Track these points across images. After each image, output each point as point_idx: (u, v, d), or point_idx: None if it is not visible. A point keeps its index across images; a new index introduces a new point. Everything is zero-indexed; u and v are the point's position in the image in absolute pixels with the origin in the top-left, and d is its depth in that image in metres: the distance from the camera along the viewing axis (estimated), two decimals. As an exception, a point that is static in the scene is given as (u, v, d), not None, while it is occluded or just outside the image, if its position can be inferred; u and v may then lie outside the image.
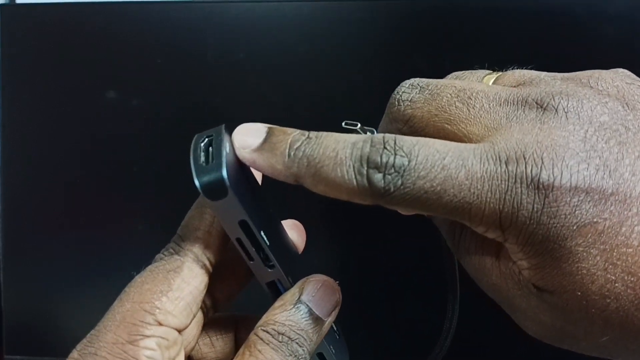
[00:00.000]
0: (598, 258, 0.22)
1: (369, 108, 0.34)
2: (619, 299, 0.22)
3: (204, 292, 0.27)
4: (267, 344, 0.25)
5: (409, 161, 0.22)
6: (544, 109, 0.23)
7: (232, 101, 0.45)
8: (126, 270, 0.28)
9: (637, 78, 0.25)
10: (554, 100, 0.23)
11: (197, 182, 0.23)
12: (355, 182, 0.23)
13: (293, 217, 0.31)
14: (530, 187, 0.22)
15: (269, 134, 0.25)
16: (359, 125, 0.27)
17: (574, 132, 0.22)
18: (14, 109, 0.47)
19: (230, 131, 0.25)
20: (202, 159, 0.24)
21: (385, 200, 0.23)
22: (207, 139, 0.25)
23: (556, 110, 0.23)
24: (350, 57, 0.44)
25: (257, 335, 0.25)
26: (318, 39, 0.44)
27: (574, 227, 0.21)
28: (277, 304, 0.27)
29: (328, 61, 0.44)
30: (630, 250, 0.22)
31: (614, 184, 0.22)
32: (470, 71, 0.28)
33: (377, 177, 0.22)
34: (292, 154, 0.24)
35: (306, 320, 0.26)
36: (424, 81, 0.26)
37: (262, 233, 0.25)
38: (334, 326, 0.30)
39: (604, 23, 0.42)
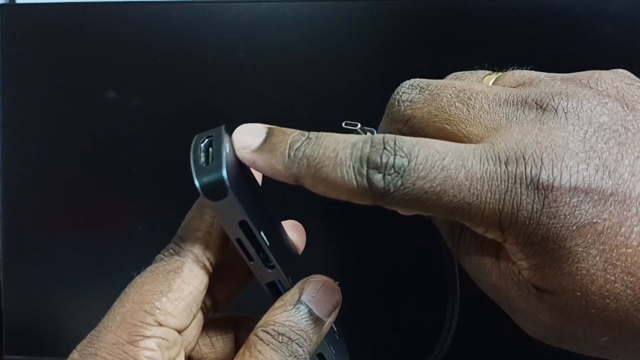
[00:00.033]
0: (597, 258, 0.22)
1: (369, 108, 0.34)
2: (618, 300, 0.22)
3: (204, 292, 0.27)
4: (267, 344, 0.25)
5: (409, 162, 0.22)
6: (544, 110, 0.23)
7: (232, 101, 0.45)
8: (126, 271, 0.28)
9: (637, 79, 0.25)
10: (553, 100, 0.23)
11: (197, 183, 0.24)
12: (355, 183, 0.23)
13: (293, 218, 0.31)
14: (530, 187, 0.22)
15: (269, 134, 0.25)
16: (359, 125, 0.28)
17: (573, 132, 0.22)
18: (14, 109, 0.47)
19: (230, 131, 0.26)
20: (202, 159, 0.24)
21: (385, 200, 0.23)
22: (207, 140, 0.25)
23: (556, 111, 0.23)
24: (350, 57, 0.44)
25: (257, 336, 0.25)
26: (318, 39, 0.44)
27: (574, 228, 0.22)
28: (277, 304, 0.27)
29: (328, 61, 0.44)
30: (630, 250, 0.22)
31: (614, 184, 0.22)
32: (470, 71, 0.28)
33: (377, 177, 0.22)
34: (292, 154, 0.24)
35: (306, 321, 0.26)
36: (423, 82, 0.27)
37: (262, 233, 0.25)
38: (334, 327, 0.30)
39: (604, 23, 0.42)
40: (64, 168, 0.47)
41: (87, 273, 0.47)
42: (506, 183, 0.22)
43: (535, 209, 0.22)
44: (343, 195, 0.24)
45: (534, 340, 0.26)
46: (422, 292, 0.45)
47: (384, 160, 0.22)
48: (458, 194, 0.22)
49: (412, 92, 0.26)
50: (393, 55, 0.44)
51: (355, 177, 0.23)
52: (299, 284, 0.27)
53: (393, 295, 0.45)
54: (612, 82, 0.24)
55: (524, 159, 0.22)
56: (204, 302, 0.28)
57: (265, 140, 0.25)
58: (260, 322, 0.26)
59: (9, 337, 0.48)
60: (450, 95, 0.25)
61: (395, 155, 0.22)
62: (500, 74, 0.28)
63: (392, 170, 0.22)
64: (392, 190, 0.22)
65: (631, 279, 0.22)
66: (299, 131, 0.25)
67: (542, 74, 0.26)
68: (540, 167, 0.22)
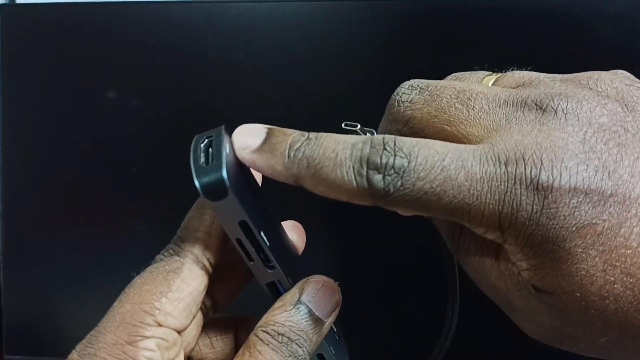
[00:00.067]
0: (597, 259, 0.22)
1: (369, 108, 0.34)
2: (617, 300, 0.22)
3: (204, 293, 0.27)
4: (267, 344, 0.25)
5: (409, 162, 0.22)
6: (543, 111, 0.23)
7: (232, 101, 0.45)
8: (126, 271, 0.28)
9: (637, 79, 0.25)
10: (553, 101, 0.23)
11: (197, 183, 0.24)
12: (355, 183, 0.23)
13: (293, 218, 0.31)
14: (530, 188, 0.22)
15: (269, 134, 0.25)
16: (359, 126, 0.28)
17: (573, 133, 0.22)
18: (14, 109, 0.47)
19: (230, 132, 0.26)
20: (202, 159, 0.24)
21: (384, 201, 0.23)
22: (207, 140, 0.25)
23: (555, 112, 0.23)
24: (350, 57, 0.44)
25: (257, 336, 0.25)
26: (318, 39, 0.44)
27: (573, 228, 0.22)
28: (277, 304, 0.27)
29: (328, 61, 0.44)
30: (629, 251, 0.22)
31: (613, 185, 0.22)
32: (469, 72, 0.28)
33: (377, 178, 0.22)
34: (291, 154, 0.24)
35: (306, 321, 0.26)
36: (423, 82, 0.27)
37: (262, 234, 0.25)
38: (334, 327, 0.30)
39: (604, 23, 0.42)
40: (64, 168, 0.47)
41: (87, 273, 0.47)
42: (506, 184, 0.22)
43: (535, 210, 0.22)
44: (343, 196, 0.24)
45: (534, 340, 0.26)
46: (422, 292, 0.45)
47: (384, 161, 0.22)
48: (458, 195, 0.22)
49: (411, 92, 0.26)
50: (393, 55, 0.44)
51: (355, 178, 0.23)
52: (299, 284, 0.27)
53: (393, 295, 0.45)
54: (612, 83, 0.24)
55: (524, 160, 0.22)
56: (203, 302, 0.28)
57: (265, 141, 0.25)
58: (260, 322, 0.26)
59: (9, 337, 0.48)
60: (450, 96, 0.25)
61: (395, 155, 0.22)
62: (499, 74, 0.28)
63: (392, 171, 0.22)
64: (391, 190, 0.22)
65: (630, 280, 0.22)
66: (298, 131, 0.25)
67: (542, 75, 0.26)
68: (540, 168, 0.22)
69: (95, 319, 0.26)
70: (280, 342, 0.25)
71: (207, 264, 0.27)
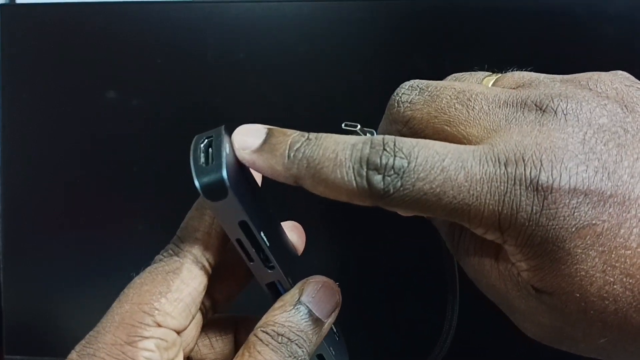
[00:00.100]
0: (597, 260, 0.22)
1: (369, 108, 0.34)
2: (617, 301, 0.22)
3: (203, 293, 0.27)
4: (267, 345, 0.25)
5: (409, 163, 0.22)
6: (543, 111, 0.23)
7: (232, 101, 0.45)
8: (126, 271, 0.28)
9: (636, 80, 0.25)
10: (553, 102, 0.23)
11: (197, 183, 0.24)
12: (354, 184, 0.23)
13: (293, 218, 0.31)
14: (529, 188, 0.22)
15: (269, 135, 0.25)
16: (359, 126, 0.28)
17: (572, 134, 0.22)
18: (14, 109, 0.47)
19: (230, 132, 0.26)
20: (202, 159, 0.24)
21: (384, 201, 0.23)
22: (207, 140, 0.25)
23: (555, 113, 0.23)
24: (350, 57, 0.44)
25: (257, 336, 0.25)
26: (318, 39, 0.44)
27: (573, 229, 0.22)
28: (276, 305, 0.27)
29: (328, 61, 0.44)
30: (629, 252, 0.22)
31: (613, 186, 0.22)
32: (469, 73, 0.28)
33: (377, 178, 0.23)
34: (291, 155, 0.24)
35: (306, 322, 0.26)
36: (423, 83, 0.27)
37: (262, 234, 0.25)
38: (333, 327, 0.30)
39: (604, 23, 0.42)
40: (64, 168, 0.47)
41: (87, 273, 0.47)
42: (505, 184, 0.22)
43: (534, 211, 0.22)
44: (343, 196, 0.24)
45: (533, 341, 0.26)
46: (422, 292, 0.45)
47: (384, 162, 0.22)
48: (457, 195, 0.22)
49: (411, 93, 0.26)
50: (393, 55, 0.44)
51: (355, 178, 0.23)
52: (298, 284, 0.27)
53: (393, 295, 0.45)
54: (612, 83, 0.24)
55: (524, 161, 0.22)
56: (203, 302, 0.28)
57: (265, 141, 0.25)
58: (260, 323, 0.26)
59: (9, 337, 0.48)
60: (449, 96, 0.25)
61: (395, 156, 0.22)
62: (499, 75, 0.28)
63: (392, 172, 0.22)
64: (391, 191, 0.22)
65: (630, 281, 0.22)
66: (298, 132, 0.25)
67: (542, 76, 0.26)
68: (540, 169, 0.22)
69: (95, 319, 0.26)
70: (279, 343, 0.25)
71: (206, 264, 0.27)
